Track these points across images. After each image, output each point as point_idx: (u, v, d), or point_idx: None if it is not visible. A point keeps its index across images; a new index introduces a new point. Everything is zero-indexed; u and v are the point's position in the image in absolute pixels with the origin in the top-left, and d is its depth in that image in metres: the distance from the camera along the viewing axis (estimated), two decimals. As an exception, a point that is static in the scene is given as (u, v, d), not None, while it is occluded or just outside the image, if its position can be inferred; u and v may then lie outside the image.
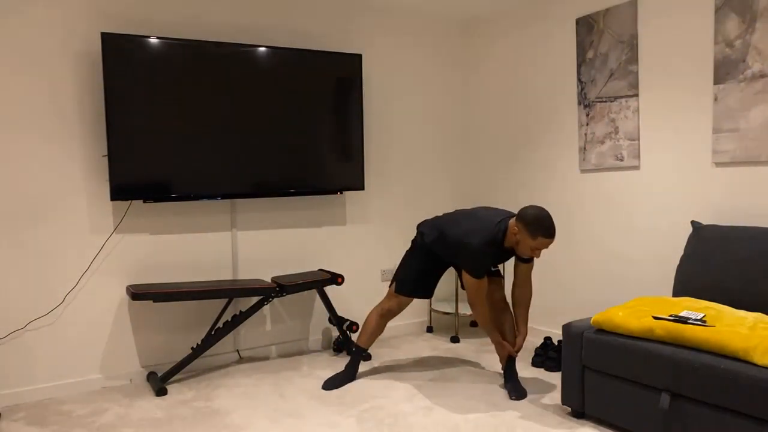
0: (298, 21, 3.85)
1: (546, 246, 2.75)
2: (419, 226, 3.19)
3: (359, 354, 3.32)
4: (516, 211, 3.21)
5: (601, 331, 2.60)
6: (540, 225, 2.70)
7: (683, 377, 2.25)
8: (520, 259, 3.02)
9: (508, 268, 4.21)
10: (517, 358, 3.62)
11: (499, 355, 3.12)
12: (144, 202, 3.31)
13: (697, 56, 3.07)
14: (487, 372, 3.41)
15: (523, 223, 2.73)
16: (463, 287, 3.03)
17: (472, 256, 2.83)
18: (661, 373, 2.33)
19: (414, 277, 3.19)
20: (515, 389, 3.02)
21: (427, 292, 3.25)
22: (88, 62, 3.22)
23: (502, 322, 3.15)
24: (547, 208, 3.95)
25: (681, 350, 2.29)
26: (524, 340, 3.08)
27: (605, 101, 3.53)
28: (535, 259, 4.06)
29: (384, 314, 3.26)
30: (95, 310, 3.29)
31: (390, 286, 3.26)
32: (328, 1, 3.93)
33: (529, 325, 4.12)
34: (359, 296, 4.13)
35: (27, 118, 3.09)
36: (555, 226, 2.72)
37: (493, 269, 3.18)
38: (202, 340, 3.33)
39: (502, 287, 3.20)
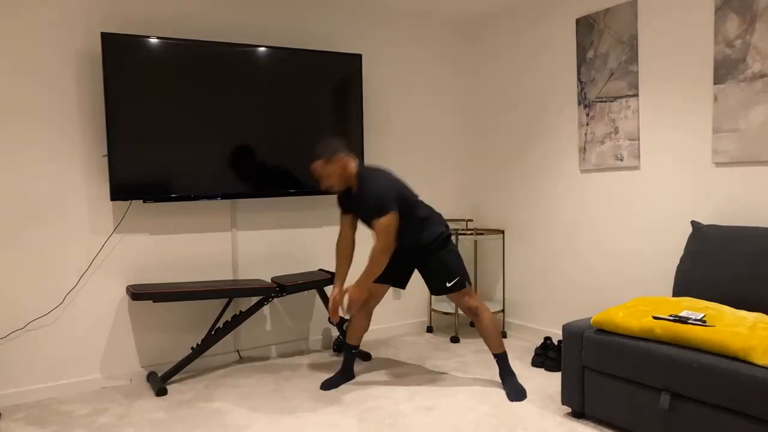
0: (298, 21, 3.85)
1: (314, 170, 3.00)
2: None
3: (351, 352, 3.31)
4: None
5: (601, 331, 2.60)
6: None
7: (683, 377, 2.25)
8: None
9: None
10: (512, 358, 3.63)
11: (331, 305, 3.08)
12: (144, 202, 3.31)
13: (697, 56, 3.07)
14: (487, 372, 3.41)
15: None
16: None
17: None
18: (661, 373, 2.33)
19: None
20: (514, 390, 3.02)
21: (391, 279, 3.21)
22: (88, 62, 3.22)
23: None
24: (547, 208, 3.96)
25: (681, 350, 2.29)
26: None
27: (605, 101, 3.53)
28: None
29: (362, 306, 3.25)
30: (95, 310, 3.29)
31: None
32: (328, 1, 3.93)
33: (529, 325, 4.13)
34: (359, 296, 4.12)
35: (27, 118, 3.09)
36: (320, 151, 2.97)
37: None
38: (202, 340, 3.33)
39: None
